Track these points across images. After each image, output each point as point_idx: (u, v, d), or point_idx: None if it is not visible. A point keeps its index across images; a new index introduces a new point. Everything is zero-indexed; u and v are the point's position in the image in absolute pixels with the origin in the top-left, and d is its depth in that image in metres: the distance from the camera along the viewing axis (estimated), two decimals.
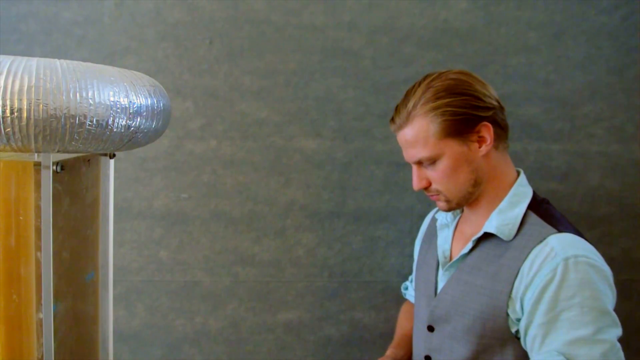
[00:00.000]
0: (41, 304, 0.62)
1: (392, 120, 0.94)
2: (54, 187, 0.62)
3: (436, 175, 0.91)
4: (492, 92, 0.91)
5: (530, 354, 0.84)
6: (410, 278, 1.23)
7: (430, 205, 1.25)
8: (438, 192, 0.93)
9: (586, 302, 0.79)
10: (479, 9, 1.25)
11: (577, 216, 1.29)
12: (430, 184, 0.93)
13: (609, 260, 0.84)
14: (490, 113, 0.89)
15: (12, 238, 0.62)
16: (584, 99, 1.28)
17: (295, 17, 1.24)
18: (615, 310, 0.82)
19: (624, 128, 1.29)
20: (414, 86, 0.92)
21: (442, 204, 0.95)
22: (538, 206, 0.91)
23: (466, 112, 0.87)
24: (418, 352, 1.00)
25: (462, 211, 1.01)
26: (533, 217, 0.88)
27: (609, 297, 0.82)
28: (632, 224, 1.30)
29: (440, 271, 0.98)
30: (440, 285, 0.97)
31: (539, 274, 0.82)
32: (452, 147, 0.88)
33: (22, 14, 1.21)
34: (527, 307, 0.83)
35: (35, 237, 0.62)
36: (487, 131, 0.89)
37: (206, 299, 1.29)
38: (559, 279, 0.80)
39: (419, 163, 0.92)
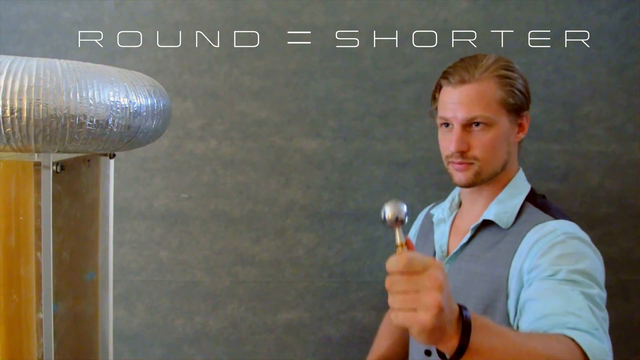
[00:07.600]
0: (41, 304, 0.62)
1: (456, 73, 0.91)
2: (54, 187, 0.62)
3: (482, 142, 0.90)
4: None
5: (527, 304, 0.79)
6: None
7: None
8: (474, 161, 0.91)
9: (587, 270, 0.78)
10: (479, 9, 1.25)
11: (577, 216, 1.27)
12: (468, 150, 0.91)
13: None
14: (530, 107, 0.94)
15: (12, 238, 0.62)
16: (584, 99, 1.28)
17: (295, 17, 1.24)
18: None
19: (624, 128, 1.29)
20: (478, 55, 0.93)
21: (468, 174, 0.91)
22: (536, 199, 0.93)
23: (525, 95, 0.92)
24: (418, 349, 1.00)
25: (459, 206, 1.02)
26: (531, 208, 0.90)
27: (602, 278, 0.81)
28: (632, 224, 1.30)
29: None
30: None
31: (538, 243, 0.82)
32: (505, 121, 0.91)
33: (22, 14, 1.21)
34: (527, 273, 0.82)
35: (35, 237, 0.62)
36: (527, 122, 0.94)
37: (206, 299, 1.29)
38: (560, 243, 0.80)
39: (467, 125, 0.90)
